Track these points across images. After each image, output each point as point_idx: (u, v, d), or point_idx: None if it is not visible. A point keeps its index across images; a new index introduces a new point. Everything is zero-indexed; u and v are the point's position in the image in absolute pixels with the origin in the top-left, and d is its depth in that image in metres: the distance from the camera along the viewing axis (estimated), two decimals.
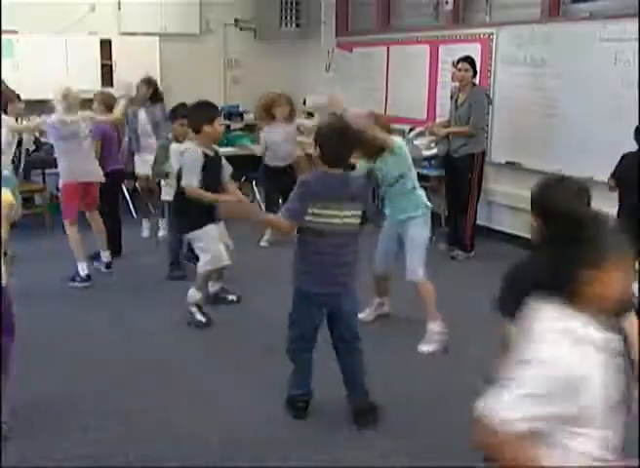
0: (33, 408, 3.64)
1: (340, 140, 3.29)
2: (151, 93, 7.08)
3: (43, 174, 7.54)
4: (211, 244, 4.68)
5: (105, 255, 5.86)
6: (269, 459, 3.22)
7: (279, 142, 6.78)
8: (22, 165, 6.96)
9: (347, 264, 3.39)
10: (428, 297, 4.45)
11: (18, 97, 6.34)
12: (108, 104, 6.12)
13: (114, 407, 3.66)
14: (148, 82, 7.12)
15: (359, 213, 3.33)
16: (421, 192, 4.52)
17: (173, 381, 3.97)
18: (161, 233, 6.99)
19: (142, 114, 6.99)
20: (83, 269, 5.55)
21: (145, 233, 7.17)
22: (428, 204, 4.54)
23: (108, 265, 5.88)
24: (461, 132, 6.23)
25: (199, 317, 4.74)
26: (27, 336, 4.27)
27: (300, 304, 3.42)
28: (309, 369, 3.55)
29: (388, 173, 4.34)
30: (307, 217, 3.25)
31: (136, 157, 7.12)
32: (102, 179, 5.75)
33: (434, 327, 4.42)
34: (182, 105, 5.60)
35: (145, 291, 5.49)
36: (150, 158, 6.23)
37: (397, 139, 4.40)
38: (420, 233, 4.45)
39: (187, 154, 4.61)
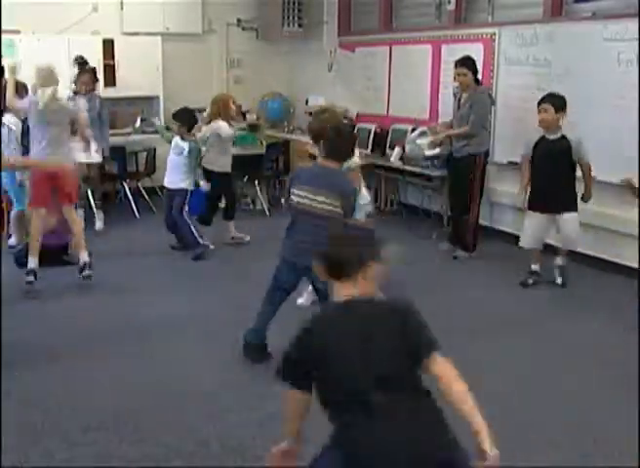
0: (33, 407, 3.65)
1: (336, 136, 3.98)
2: (94, 80, 7.06)
3: None
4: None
5: (84, 256, 5.51)
6: None
7: None
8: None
9: (319, 244, 3.54)
10: None
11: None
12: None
13: (115, 406, 3.66)
14: (93, 71, 7.07)
15: (333, 202, 3.83)
16: (362, 202, 4.70)
17: (173, 381, 3.97)
18: (99, 225, 7.12)
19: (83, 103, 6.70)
20: (34, 263, 5.32)
21: (99, 225, 7.17)
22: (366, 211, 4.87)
23: (84, 268, 5.49)
24: (461, 132, 6.23)
25: None
26: (25, 333, 4.29)
27: (280, 265, 4.11)
28: (270, 316, 4.17)
29: None
30: (291, 196, 3.97)
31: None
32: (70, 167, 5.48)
33: None
34: None
35: (148, 284, 5.51)
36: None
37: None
38: None
39: None
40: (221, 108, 6.55)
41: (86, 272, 5.50)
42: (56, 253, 5.71)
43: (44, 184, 5.31)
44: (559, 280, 5.58)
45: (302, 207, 3.93)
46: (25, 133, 6.18)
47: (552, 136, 5.32)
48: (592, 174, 5.36)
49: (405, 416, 2.05)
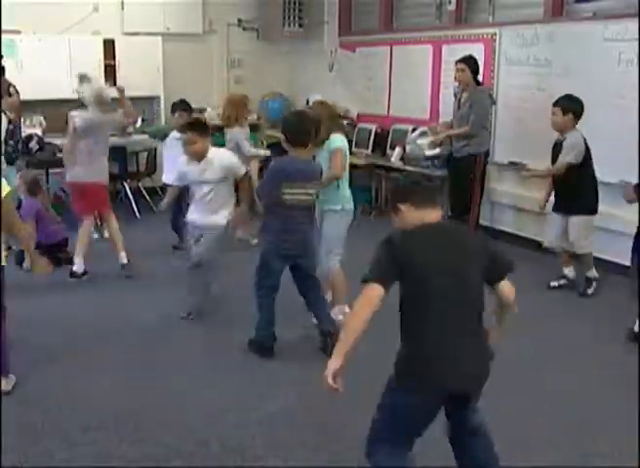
0: (33, 407, 3.65)
1: (299, 123, 4.18)
2: None
3: (47, 174, 7.53)
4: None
5: (122, 256, 5.89)
6: (270, 460, 3.21)
7: None
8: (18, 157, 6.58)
9: (307, 231, 4.22)
10: (335, 284, 4.71)
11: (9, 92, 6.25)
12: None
13: (115, 406, 3.67)
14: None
15: (314, 191, 4.14)
16: (347, 193, 4.66)
17: (173, 381, 3.97)
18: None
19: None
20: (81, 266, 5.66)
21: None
22: (349, 206, 4.68)
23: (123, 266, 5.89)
24: (461, 132, 6.22)
25: None
26: (25, 333, 4.29)
27: (271, 262, 4.18)
28: (273, 312, 4.26)
29: (322, 164, 4.53)
30: (282, 194, 4.03)
31: None
32: (100, 181, 5.72)
33: (336, 310, 4.65)
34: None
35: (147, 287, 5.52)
36: None
37: (338, 136, 4.61)
38: (330, 228, 4.63)
39: None
40: (239, 112, 6.55)
41: (126, 271, 5.84)
42: (51, 252, 5.68)
43: (78, 199, 5.78)
44: (587, 290, 5.45)
45: (292, 202, 4.07)
46: (10, 134, 6.16)
47: (562, 139, 5.32)
48: (553, 172, 5.32)
49: (474, 336, 2.38)
